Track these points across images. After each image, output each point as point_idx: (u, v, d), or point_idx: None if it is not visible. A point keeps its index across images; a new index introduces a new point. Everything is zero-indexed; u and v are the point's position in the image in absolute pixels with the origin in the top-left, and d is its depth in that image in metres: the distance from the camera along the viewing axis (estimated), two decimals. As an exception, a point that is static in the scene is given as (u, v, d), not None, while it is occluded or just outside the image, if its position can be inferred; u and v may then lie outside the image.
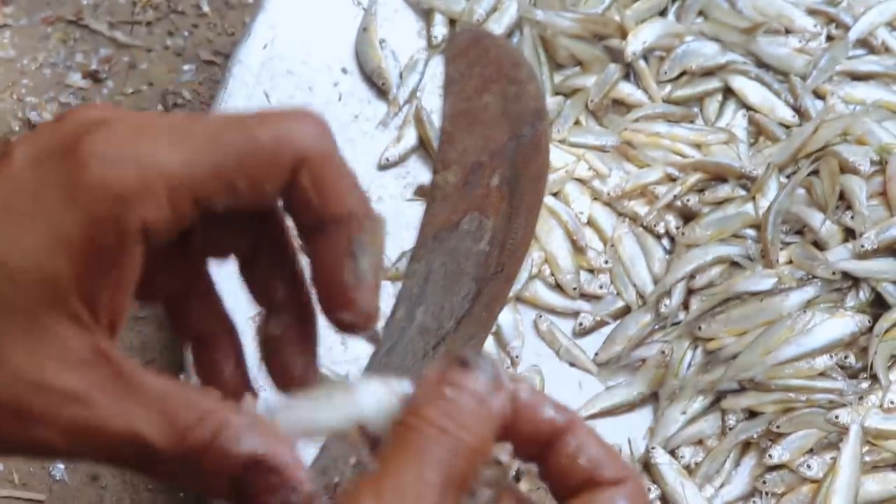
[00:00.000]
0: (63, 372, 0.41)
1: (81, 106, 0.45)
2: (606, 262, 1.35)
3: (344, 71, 1.41)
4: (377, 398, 0.43)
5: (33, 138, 0.42)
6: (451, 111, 0.56)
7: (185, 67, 1.45)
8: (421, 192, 0.58)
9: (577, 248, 1.35)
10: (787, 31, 1.51)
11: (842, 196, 1.33)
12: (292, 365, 0.47)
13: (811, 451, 1.21)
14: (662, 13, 1.50)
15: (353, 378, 0.51)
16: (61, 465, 1.22)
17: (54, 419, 0.41)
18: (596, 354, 1.30)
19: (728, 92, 1.47)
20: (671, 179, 1.38)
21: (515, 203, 0.59)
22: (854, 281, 1.29)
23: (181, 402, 0.42)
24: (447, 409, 0.41)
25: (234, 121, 0.44)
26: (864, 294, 1.28)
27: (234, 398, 0.44)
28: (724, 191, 1.36)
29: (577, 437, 0.44)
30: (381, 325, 0.58)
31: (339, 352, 1.16)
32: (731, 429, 1.24)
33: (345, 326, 0.45)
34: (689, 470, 1.23)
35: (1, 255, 0.40)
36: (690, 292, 1.32)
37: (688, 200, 1.36)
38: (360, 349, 1.20)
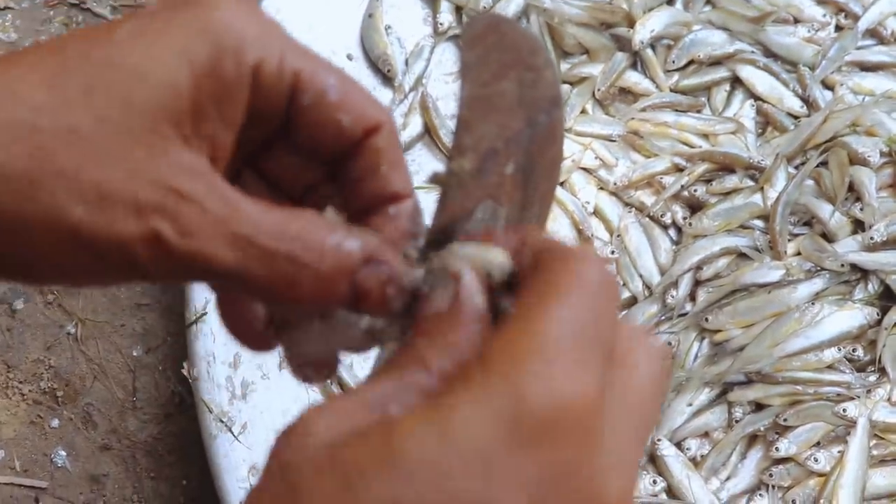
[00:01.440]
0: (177, 174, 0.42)
1: None
2: (613, 252, 1.34)
3: (349, 57, 1.40)
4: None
5: None
6: (468, 97, 0.55)
7: (189, 52, 1.44)
8: (435, 178, 0.57)
9: (584, 238, 1.34)
10: (796, 21, 1.49)
11: (851, 187, 1.32)
12: None
13: (818, 444, 1.21)
14: (670, 2, 1.49)
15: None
16: (63, 453, 1.21)
17: (168, 213, 0.42)
18: (602, 345, 1.29)
19: (736, 81, 1.45)
20: (678, 169, 1.37)
21: (529, 191, 0.58)
22: (863, 273, 1.28)
23: (282, 219, 0.43)
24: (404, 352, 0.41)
25: (336, 67, 0.47)
26: (872, 286, 1.27)
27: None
28: (731, 181, 1.35)
29: (530, 243, 0.43)
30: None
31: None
32: (737, 421, 1.23)
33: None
34: (695, 462, 1.22)
35: (134, 61, 0.43)
36: (697, 283, 1.31)
37: (695, 191, 1.35)
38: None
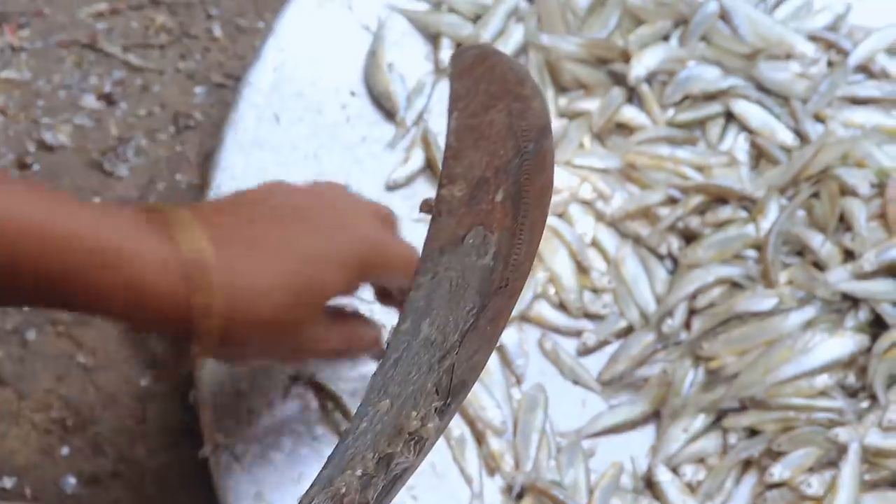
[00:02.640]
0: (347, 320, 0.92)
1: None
2: (610, 282, 1.37)
3: (352, 94, 1.43)
4: None
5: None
6: (457, 127, 0.58)
7: (197, 90, 1.48)
8: (426, 206, 0.60)
9: (581, 269, 1.37)
10: (788, 57, 1.53)
11: (841, 218, 1.35)
12: None
13: (811, 469, 1.23)
14: (665, 38, 1.52)
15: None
16: (72, 479, 1.24)
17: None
18: (599, 373, 1.32)
19: (730, 116, 1.49)
20: (673, 201, 1.40)
21: (520, 219, 0.60)
22: (854, 301, 1.31)
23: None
24: None
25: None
26: (863, 314, 1.30)
27: None
28: (725, 212, 1.38)
29: None
30: (385, 337, 0.61)
31: (347, 368, 1.18)
32: (732, 447, 1.25)
33: None
34: (691, 487, 1.24)
35: (322, 278, 0.80)
36: (692, 312, 1.33)
37: (690, 222, 1.38)
38: (367, 368, 1.22)
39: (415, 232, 1.36)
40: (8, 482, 1.23)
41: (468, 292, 0.63)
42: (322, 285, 0.74)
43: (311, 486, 0.55)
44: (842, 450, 1.22)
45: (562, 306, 1.35)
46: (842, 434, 1.23)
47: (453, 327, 0.63)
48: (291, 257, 0.72)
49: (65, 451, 1.25)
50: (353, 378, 1.17)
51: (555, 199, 1.31)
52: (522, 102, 0.59)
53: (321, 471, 0.56)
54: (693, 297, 1.33)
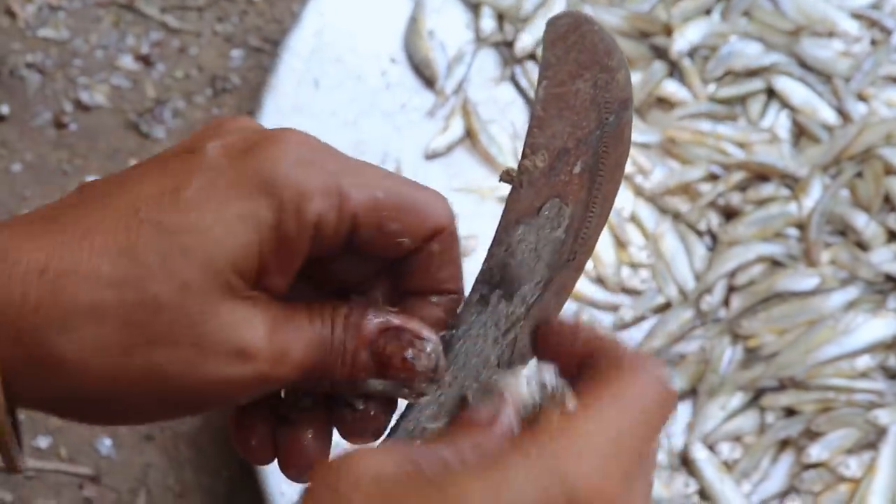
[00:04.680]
0: (263, 317, 0.47)
1: (234, 117, 0.52)
2: (648, 257, 1.36)
3: (392, 60, 1.42)
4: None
5: (219, 135, 0.49)
6: (545, 96, 0.57)
7: (234, 53, 1.46)
8: (506, 175, 0.59)
9: (620, 243, 1.36)
10: (831, 34, 1.51)
11: (886, 198, 1.34)
12: (307, 439, 0.53)
13: (850, 450, 1.22)
14: (707, 12, 1.51)
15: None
16: (108, 441, 1.24)
17: (264, 350, 0.47)
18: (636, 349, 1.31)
19: (771, 93, 1.47)
20: (714, 177, 1.39)
21: (594, 192, 0.59)
22: (897, 283, 1.30)
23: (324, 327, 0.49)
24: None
25: (396, 176, 0.51)
26: (906, 296, 1.29)
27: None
28: (767, 190, 1.37)
29: (615, 348, 0.49)
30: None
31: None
32: (769, 426, 1.25)
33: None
34: (728, 466, 1.24)
35: (207, 225, 0.46)
36: (731, 289, 1.32)
37: (731, 198, 1.37)
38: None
39: (454, 204, 1.35)
40: (43, 442, 1.22)
41: (539, 265, 0.62)
42: None
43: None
44: (881, 432, 1.22)
45: (599, 281, 1.34)
46: (882, 416, 1.22)
47: (520, 300, 0.62)
48: None
49: (99, 413, 1.25)
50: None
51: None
52: (608, 74, 0.57)
53: (381, 442, 0.55)
54: (733, 274, 1.32)
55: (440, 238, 0.51)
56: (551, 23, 0.56)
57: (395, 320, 0.49)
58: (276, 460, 0.53)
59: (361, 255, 0.51)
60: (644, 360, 0.47)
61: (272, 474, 1.14)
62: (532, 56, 1.45)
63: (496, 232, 0.61)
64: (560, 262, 0.61)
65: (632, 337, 1.32)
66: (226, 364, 0.46)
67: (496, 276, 0.61)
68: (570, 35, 0.56)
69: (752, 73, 1.47)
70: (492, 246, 0.61)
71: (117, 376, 0.45)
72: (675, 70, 1.47)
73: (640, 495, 0.44)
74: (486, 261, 0.61)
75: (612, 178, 0.63)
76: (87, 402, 0.46)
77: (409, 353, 0.49)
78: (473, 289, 0.61)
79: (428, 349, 0.49)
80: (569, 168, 0.60)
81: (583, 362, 0.49)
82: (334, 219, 0.48)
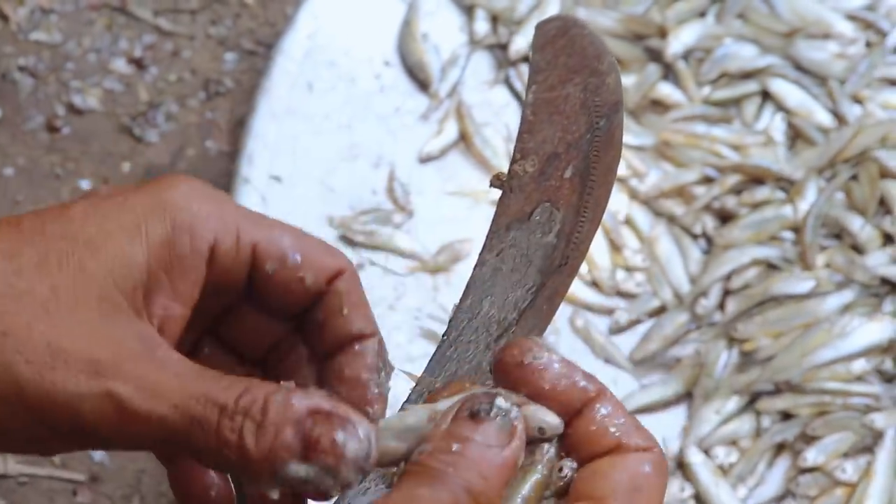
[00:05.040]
0: (129, 338, 0.44)
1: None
2: (643, 260, 1.35)
3: (386, 63, 1.42)
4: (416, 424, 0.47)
5: (112, 186, 0.50)
6: (534, 100, 0.56)
7: (228, 56, 1.46)
8: (496, 180, 0.58)
9: (614, 247, 1.36)
10: (826, 36, 1.51)
11: (881, 201, 1.33)
12: None
13: (846, 454, 1.22)
14: (702, 14, 1.50)
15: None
16: (101, 448, 1.23)
17: (124, 372, 0.43)
18: (631, 352, 1.31)
19: (766, 95, 1.47)
20: (709, 180, 1.39)
21: (585, 196, 0.59)
22: (892, 286, 1.29)
23: (224, 381, 0.44)
24: (449, 459, 0.43)
25: (291, 226, 0.50)
26: (902, 299, 1.29)
27: None
28: (762, 193, 1.37)
29: (606, 406, 0.46)
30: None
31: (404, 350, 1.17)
32: (765, 430, 1.24)
33: None
34: (723, 470, 1.23)
35: (88, 233, 0.45)
36: (727, 293, 1.32)
37: (726, 202, 1.36)
38: (421, 348, 1.21)
39: (446, 207, 1.35)
40: (35, 448, 1.22)
41: (530, 270, 0.62)
42: None
43: None
44: (877, 436, 1.21)
45: (594, 284, 1.34)
46: (878, 420, 1.21)
47: (512, 305, 0.62)
48: None
49: (92, 418, 1.24)
50: (406, 358, 1.17)
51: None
52: (598, 77, 0.57)
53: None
54: (728, 277, 1.32)
55: (344, 278, 0.50)
56: (540, 27, 0.55)
57: (326, 404, 0.44)
58: None
59: (267, 305, 0.49)
60: (653, 447, 0.46)
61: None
62: (526, 59, 1.45)
63: (487, 237, 0.61)
64: (552, 268, 0.61)
65: (627, 341, 1.32)
66: (76, 375, 0.43)
67: (487, 281, 0.61)
68: (558, 39, 0.55)
69: (746, 76, 1.47)
70: (482, 251, 0.61)
71: None
72: (669, 72, 1.47)
73: None
74: (476, 266, 0.61)
75: (603, 182, 0.63)
76: None
77: (340, 434, 0.44)
78: (465, 294, 0.60)
79: (361, 434, 0.44)
80: (559, 173, 0.60)
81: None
82: (232, 244, 0.47)
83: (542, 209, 0.62)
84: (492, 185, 0.65)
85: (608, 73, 0.59)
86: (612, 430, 0.45)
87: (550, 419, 0.46)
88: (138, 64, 1.43)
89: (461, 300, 0.61)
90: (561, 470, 0.47)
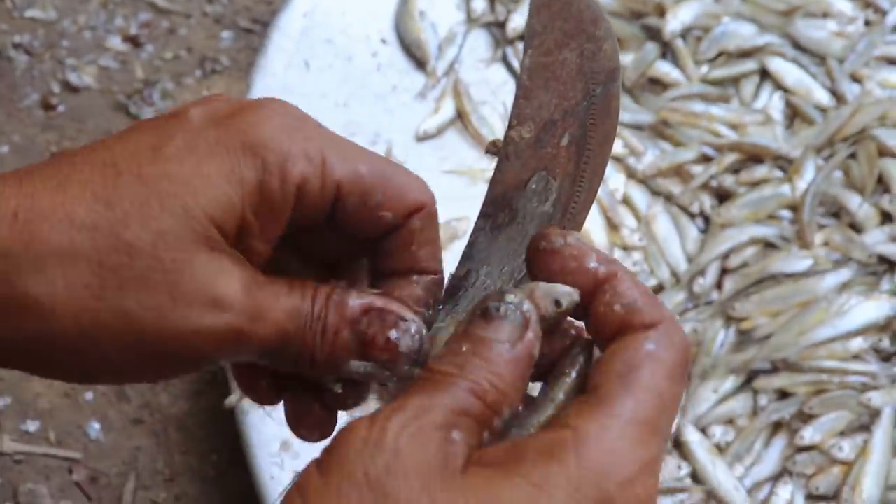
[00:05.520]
0: (239, 272, 0.46)
1: (216, 95, 0.50)
2: (640, 239, 1.35)
3: (383, 41, 1.41)
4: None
5: (205, 103, 0.48)
6: (531, 65, 0.56)
7: (224, 34, 1.45)
8: (492, 146, 0.58)
9: (612, 225, 1.35)
10: (825, 15, 1.50)
11: (880, 179, 1.33)
12: None
13: (843, 432, 1.22)
14: (700, -7, 1.50)
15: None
16: (97, 425, 1.23)
17: (240, 304, 0.46)
18: (628, 331, 1.30)
19: (764, 73, 1.46)
20: (706, 159, 1.38)
21: (582, 165, 0.58)
22: (890, 264, 1.29)
23: (305, 287, 0.48)
24: (456, 361, 0.44)
25: (378, 154, 0.51)
26: (900, 278, 1.28)
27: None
28: (760, 171, 1.36)
29: (614, 286, 0.46)
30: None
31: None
32: (762, 409, 1.24)
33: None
34: (720, 448, 1.23)
35: (186, 176, 0.45)
36: (724, 272, 1.32)
37: (724, 180, 1.36)
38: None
39: (444, 185, 1.34)
40: (32, 426, 1.21)
41: (525, 239, 0.61)
42: None
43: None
44: (874, 414, 1.21)
45: (591, 263, 1.33)
46: (875, 398, 1.21)
47: (508, 276, 0.62)
48: None
49: (88, 396, 1.24)
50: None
51: (587, 153, 1.29)
52: (594, 43, 0.56)
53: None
54: (725, 256, 1.32)
55: (420, 215, 0.51)
56: (537, -11, 0.55)
57: (379, 302, 0.48)
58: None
59: (344, 231, 0.50)
60: (660, 322, 0.45)
61: (261, 458, 1.13)
62: (523, 37, 1.44)
63: (483, 204, 0.60)
64: (548, 238, 0.60)
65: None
66: (199, 313, 0.45)
67: (483, 250, 0.60)
68: (555, 2, 0.55)
69: (745, 54, 1.46)
70: (478, 219, 0.60)
71: (88, 319, 0.45)
72: (667, 51, 1.46)
73: (659, 464, 0.44)
74: (472, 233, 0.60)
75: (600, 152, 0.62)
76: (59, 348, 0.45)
77: (393, 333, 0.47)
78: (461, 263, 0.60)
79: (412, 330, 0.48)
80: (556, 140, 0.59)
81: (600, 318, 0.46)
82: (318, 184, 0.47)
83: (538, 177, 0.62)
84: (488, 151, 0.64)
85: (605, 39, 0.59)
86: (618, 309, 0.45)
87: (561, 289, 0.46)
88: (134, 41, 1.43)
89: (457, 268, 0.61)
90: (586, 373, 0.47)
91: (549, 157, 0.60)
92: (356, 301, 0.48)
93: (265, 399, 0.53)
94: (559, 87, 0.59)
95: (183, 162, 0.45)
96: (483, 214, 0.60)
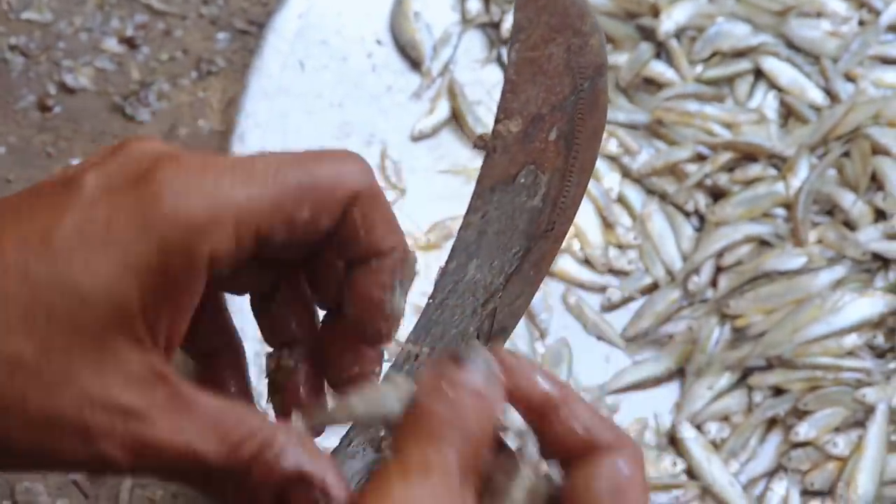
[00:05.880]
0: (125, 391, 0.42)
1: (138, 137, 0.46)
2: (635, 238, 1.35)
3: (378, 42, 1.42)
4: (397, 394, 0.47)
5: (101, 167, 0.44)
6: (517, 59, 0.56)
7: (220, 36, 1.46)
8: (480, 140, 0.58)
9: (607, 224, 1.36)
10: (819, 14, 1.51)
11: (873, 177, 1.33)
12: (301, 392, 0.51)
13: (837, 428, 1.22)
14: (695, -7, 1.50)
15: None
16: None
17: (116, 435, 0.42)
18: (624, 329, 1.31)
19: (759, 73, 1.47)
20: (701, 158, 1.39)
21: (570, 160, 0.59)
22: (884, 261, 1.30)
23: (232, 420, 0.44)
24: (449, 402, 0.44)
25: (291, 158, 0.46)
26: (893, 274, 1.29)
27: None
28: (754, 170, 1.37)
29: (570, 407, 0.46)
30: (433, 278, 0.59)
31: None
32: (757, 405, 1.24)
33: (371, 344, 0.51)
34: (716, 445, 1.23)
35: (75, 279, 0.42)
36: (719, 270, 1.32)
37: (718, 179, 1.36)
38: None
39: (439, 185, 1.35)
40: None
41: (515, 234, 0.62)
42: None
43: (348, 430, 0.54)
44: (869, 410, 1.21)
45: (587, 261, 1.34)
46: (869, 394, 1.21)
47: (498, 270, 0.62)
48: None
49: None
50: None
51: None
52: (581, 38, 0.57)
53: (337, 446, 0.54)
54: (720, 254, 1.32)
55: (358, 203, 0.47)
56: (522, -17, 0.55)
57: (309, 466, 0.44)
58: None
59: (293, 246, 0.47)
60: (622, 442, 0.46)
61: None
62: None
63: (471, 198, 0.60)
64: (538, 233, 0.60)
65: (619, 318, 1.32)
66: (76, 444, 0.42)
67: (472, 244, 0.61)
68: (540, -4, 0.55)
69: (739, 54, 1.47)
70: (467, 213, 0.61)
71: None
72: (662, 51, 1.47)
73: None
74: (461, 228, 0.61)
75: (589, 147, 0.62)
76: None
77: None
78: (450, 257, 0.60)
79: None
80: (544, 135, 0.60)
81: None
82: (232, 246, 0.44)
83: (526, 171, 0.62)
84: (475, 145, 0.64)
85: (591, 34, 0.59)
86: (579, 429, 0.46)
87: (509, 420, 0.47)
88: (130, 43, 1.43)
89: (447, 263, 0.61)
90: (548, 477, 0.47)
91: (538, 152, 0.60)
92: (288, 460, 0.43)
93: None
94: (546, 82, 0.59)
95: (71, 260, 0.42)
96: (472, 208, 0.60)
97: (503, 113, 0.60)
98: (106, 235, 0.42)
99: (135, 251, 0.42)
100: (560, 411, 0.46)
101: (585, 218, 1.35)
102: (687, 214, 1.37)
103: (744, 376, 1.26)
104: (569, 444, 0.46)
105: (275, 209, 0.45)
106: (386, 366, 0.56)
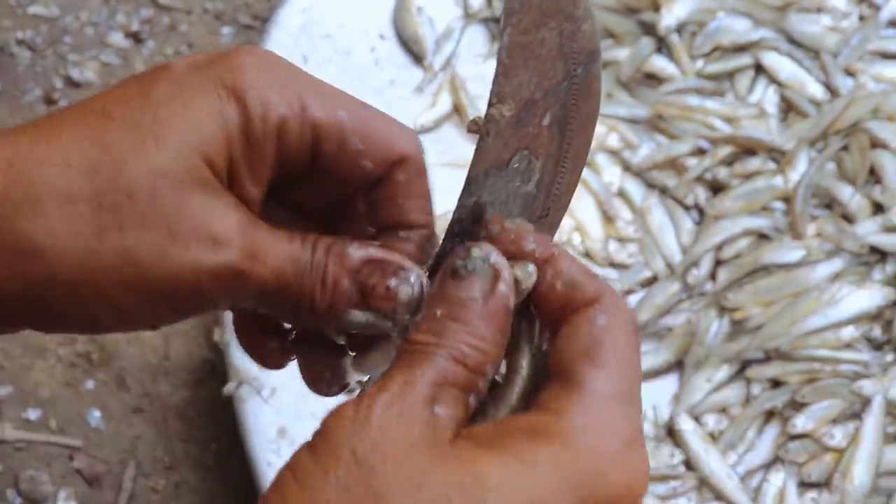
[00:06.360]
0: (229, 218, 0.47)
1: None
2: (635, 231, 1.36)
3: (381, 36, 1.43)
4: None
5: (186, 57, 0.49)
6: (509, 43, 0.57)
7: (224, 30, 1.47)
8: (473, 124, 0.59)
9: (607, 217, 1.37)
10: (819, 9, 1.51)
11: (871, 171, 1.34)
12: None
13: (834, 420, 1.23)
14: (696, -12, 1.51)
15: None
16: (97, 413, 1.24)
17: (240, 246, 0.47)
18: (623, 322, 1.31)
19: (759, 68, 1.48)
20: (701, 152, 1.40)
21: (564, 145, 0.59)
22: (882, 255, 1.30)
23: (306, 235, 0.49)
24: (434, 328, 0.45)
25: (363, 103, 0.51)
26: (891, 267, 1.29)
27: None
28: (753, 164, 1.37)
29: (554, 265, 0.47)
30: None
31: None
32: (755, 397, 1.25)
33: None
34: (713, 437, 1.24)
35: (179, 121, 0.46)
36: (718, 263, 1.33)
37: (718, 173, 1.37)
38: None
39: (442, 178, 1.35)
40: (33, 414, 1.23)
41: (510, 218, 0.62)
42: None
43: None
44: (866, 402, 1.22)
45: (587, 255, 1.35)
46: (866, 386, 1.22)
47: (493, 253, 0.62)
48: None
49: (89, 385, 1.26)
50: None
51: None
52: (573, 23, 0.57)
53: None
54: (719, 247, 1.33)
55: (404, 167, 0.51)
56: (512, -32, 0.56)
57: (378, 253, 0.49)
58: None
59: (327, 181, 0.50)
60: (602, 294, 0.46)
61: (258, 445, 1.14)
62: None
63: (465, 183, 0.61)
64: (532, 219, 0.61)
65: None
66: (197, 250, 0.46)
67: (466, 229, 0.61)
68: (532, -19, 0.56)
69: (739, 49, 1.48)
70: (461, 197, 0.61)
71: (90, 261, 0.45)
72: (662, 46, 1.48)
73: (643, 433, 0.45)
74: (455, 212, 0.61)
75: (582, 133, 0.63)
76: (62, 295, 0.46)
77: (393, 281, 0.48)
78: (445, 239, 0.61)
79: (412, 279, 0.48)
80: (537, 120, 0.60)
81: (548, 303, 0.47)
82: (297, 127, 0.48)
83: (520, 157, 0.62)
84: (469, 129, 0.65)
85: (583, 19, 0.59)
86: (559, 288, 0.46)
87: (522, 270, 0.47)
88: (135, 38, 1.44)
89: (441, 246, 0.62)
90: (542, 347, 0.48)
91: (531, 137, 0.60)
92: (357, 252, 0.48)
93: (271, 361, 0.54)
94: (539, 67, 0.60)
95: (171, 105, 0.46)
96: (466, 192, 0.61)
97: (496, 97, 0.60)
98: (198, 92, 0.47)
99: (223, 106, 0.47)
100: (544, 271, 0.47)
101: (586, 211, 1.36)
102: (687, 208, 1.38)
103: (742, 368, 1.27)
104: (550, 302, 0.47)
105: (334, 124, 0.49)
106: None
